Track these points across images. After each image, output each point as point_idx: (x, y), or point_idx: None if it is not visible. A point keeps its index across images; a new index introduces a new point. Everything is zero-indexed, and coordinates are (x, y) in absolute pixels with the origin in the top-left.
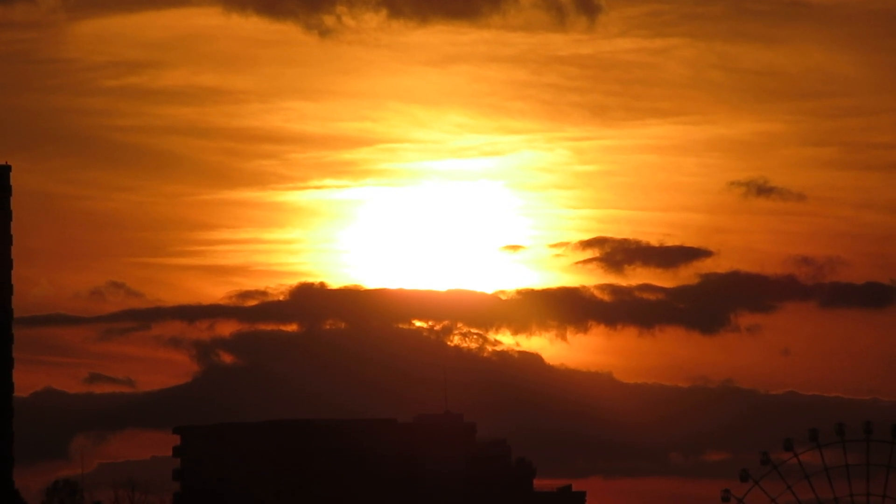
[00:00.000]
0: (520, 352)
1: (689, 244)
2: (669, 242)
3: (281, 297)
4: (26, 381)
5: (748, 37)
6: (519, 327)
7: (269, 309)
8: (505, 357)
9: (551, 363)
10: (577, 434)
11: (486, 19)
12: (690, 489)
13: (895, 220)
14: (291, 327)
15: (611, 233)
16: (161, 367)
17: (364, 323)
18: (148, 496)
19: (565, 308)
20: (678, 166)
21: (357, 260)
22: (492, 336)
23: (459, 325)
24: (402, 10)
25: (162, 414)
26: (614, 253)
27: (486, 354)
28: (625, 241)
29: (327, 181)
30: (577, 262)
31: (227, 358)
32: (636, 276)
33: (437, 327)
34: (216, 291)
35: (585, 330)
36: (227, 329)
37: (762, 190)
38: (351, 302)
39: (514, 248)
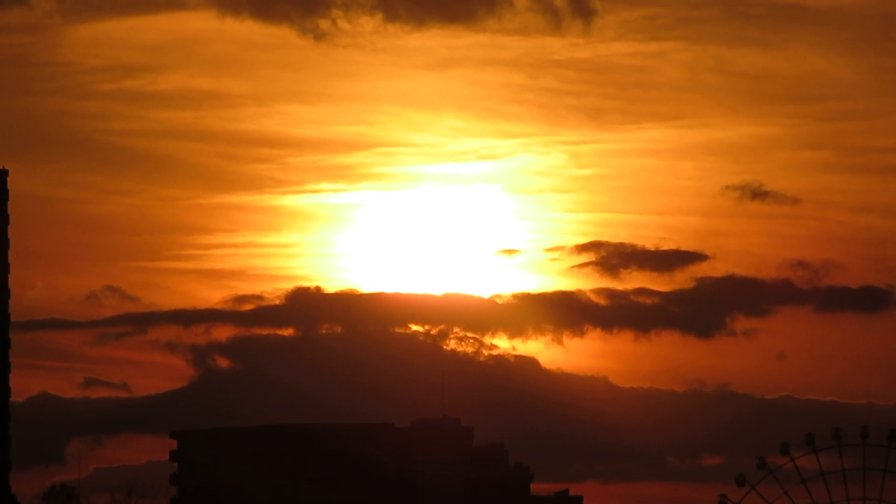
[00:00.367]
0: (516, 356)
1: (684, 248)
2: (665, 246)
3: (277, 302)
4: (22, 385)
5: (744, 40)
6: (515, 331)
7: (265, 313)
8: (501, 361)
9: (547, 367)
10: (573, 438)
11: (482, 23)
12: (687, 493)
13: (892, 223)
14: (287, 331)
15: (607, 237)
16: (157, 372)
17: (360, 327)
18: (145, 500)
19: (561, 312)
20: (674, 170)
21: (354, 264)
22: (488, 340)
23: (456, 329)
24: (398, 13)
25: (158, 418)
26: (610, 257)
27: (482, 359)
28: (620, 245)
29: (324, 185)
30: (573, 266)
31: (223, 362)
32: (632, 280)
33: (434, 331)
34: (212, 295)
35: (581, 334)
36: (223, 333)
37: (757, 194)
38: (347, 306)
39: (511, 251)
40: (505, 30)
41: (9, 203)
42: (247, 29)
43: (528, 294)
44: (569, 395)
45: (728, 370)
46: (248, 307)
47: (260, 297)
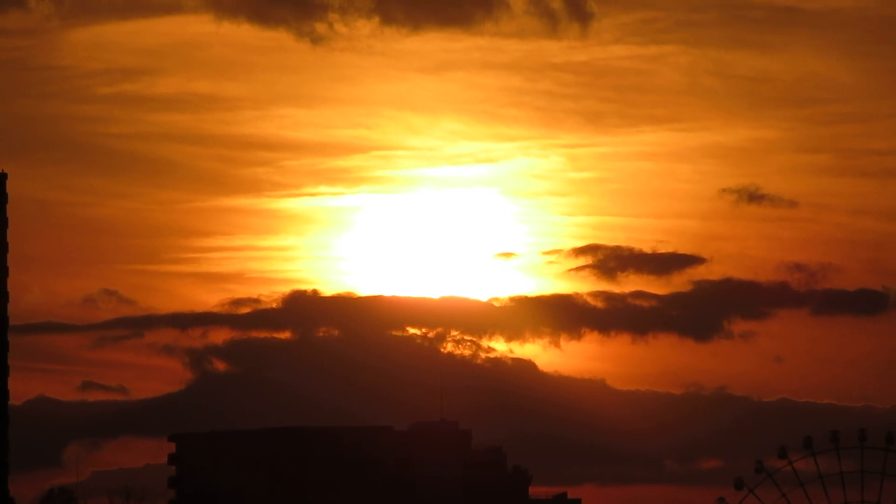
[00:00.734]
0: (513, 359)
1: (682, 251)
2: (662, 249)
3: (274, 305)
4: (20, 388)
5: (742, 43)
6: (512, 334)
7: (263, 316)
8: (498, 364)
9: (545, 370)
10: (570, 441)
11: (479, 26)
12: (685, 496)
13: (889, 226)
14: (284, 334)
15: (605, 239)
16: (154, 375)
17: (357, 330)
18: (143, 503)
19: (559, 315)
20: (672, 173)
21: (351, 267)
22: (485, 343)
23: (453, 332)
24: (395, 16)
25: (155, 422)
26: (607, 260)
27: (479, 361)
28: (618, 248)
29: (321, 188)
30: (570, 269)
31: (220, 365)
32: (629, 283)
33: (431, 334)
34: (210, 298)
35: (579, 337)
36: (220, 336)
37: (753, 197)
38: (344, 309)
39: (508, 254)
40: (502, 33)
41: (7, 206)
42: (244, 33)
43: (526, 297)
44: (566, 397)
45: (725, 373)
46: (244, 310)
47: (257, 301)
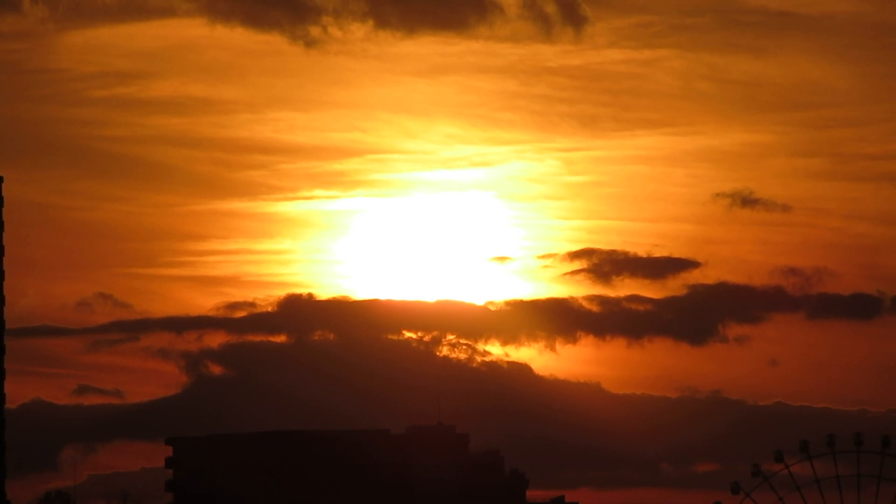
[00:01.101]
0: (509, 362)
1: (676, 255)
2: (657, 253)
3: (269, 309)
4: (15, 392)
5: (737, 48)
6: (508, 338)
7: (258, 320)
8: (494, 368)
9: (540, 374)
10: (566, 444)
11: (474, 30)
12: (681, 500)
13: (883, 230)
14: (280, 338)
15: (600, 243)
16: (150, 379)
17: (353, 334)
18: None
19: (554, 319)
20: (667, 177)
21: (347, 270)
22: (481, 347)
23: (449, 335)
24: (389, 20)
25: (151, 425)
26: (602, 264)
27: (475, 365)
28: (613, 252)
29: (317, 192)
30: (565, 274)
31: (215, 369)
32: (624, 287)
33: (427, 338)
34: (206, 302)
35: (574, 341)
36: (215, 340)
37: (747, 201)
38: (340, 313)
39: (504, 258)
40: (496, 37)
41: (2, 210)
42: (237, 36)
43: (521, 301)
44: (562, 401)
45: (720, 377)
46: (240, 314)
47: (252, 304)
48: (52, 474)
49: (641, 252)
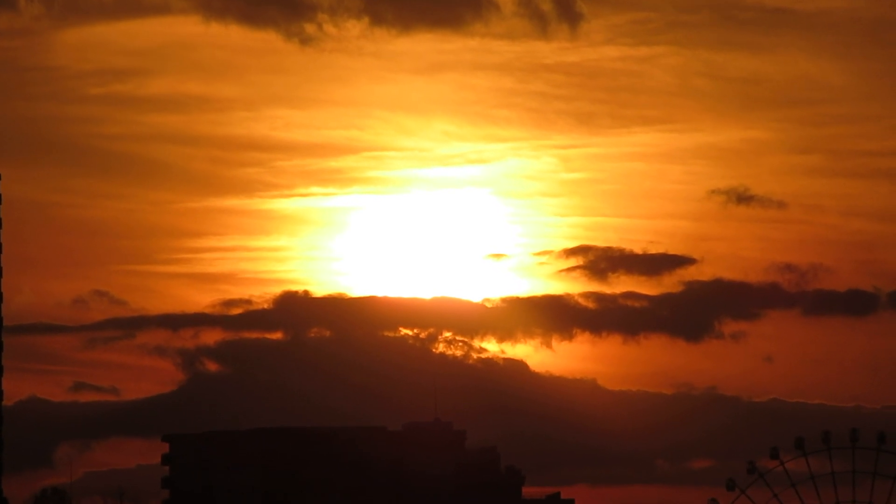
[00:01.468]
0: (505, 359)
1: (672, 252)
2: (653, 250)
3: (265, 306)
4: (11, 389)
5: (734, 45)
6: (504, 335)
7: (254, 317)
8: (490, 364)
9: (536, 370)
10: (562, 441)
11: (470, 27)
12: (677, 497)
13: (880, 227)
14: (276, 335)
15: (597, 240)
16: (146, 376)
17: (349, 331)
18: None
19: (550, 316)
20: (664, 174)
21: (344, 267)
22: (477, 343)
23: (445, 332)
24: (385, 17)
25: (147, 422)
26: (598, 261)
27: (471, 362)
28: (608, 249)
29: (313, 189)
30: (561, 270)
31: (212, 366)
32: (620, 284)
33: (423, 335)
34: (202, 299)
35: (570, 337)
36: (211, 337)
37: (742, 198)
38: (336, 310)
39: (500, 255)
40: (492, 34)
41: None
42: (233, 33)
43: (518, 298)
44: (558, 397)
45: (716, 373)
46: (236, 311)
47: (248, 301)
48: (48, 471)
49: (637, 249)
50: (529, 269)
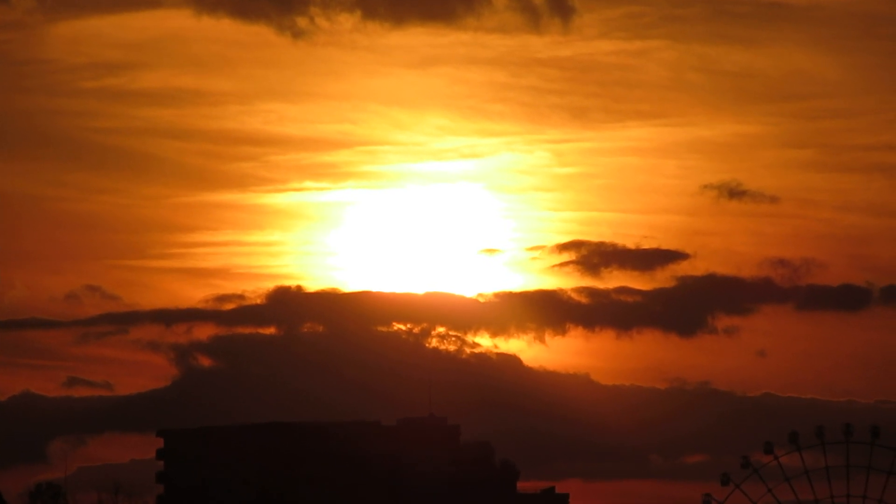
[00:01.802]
0: (498, 354)
1: (665, 247)
2: (646, 245)
3: (259, 301)
4: (4, 384)
5: (727, 39)
6: (497, 330)
7: (247, 312)
8: (483, 359)
9: (530, 365)
10: (555, 436)
11: (462, 21)
12: (670, 491)
13: (873, 222)
14: (269, 330)
15: (591, 235)
16: (139, 371)
17: (343, 325)
18: (131, 499)
19: (543, 310)
20: (658, 169)
21: (338, 262)
22: (470, 338)
23: (438, 327)
24: (377, 11)
25: (141, 417)
26: (591, 256)
27: (464, 357)
28: (601, 244)
29: (307, 183)
30: (554, 265)
31: (205, 361)
32: (613, 279)
33: (416, 330)
34: (195, 294)
35: (563, 332)
36: (204, 332)
37: (734, 193)
38: (329, 305)
39: (494, 250)
40: (485, 28)
41: None
42: (224, 27)
43: (511, 293)
44: (551, 392)
45: (709, 368)
46: (229, 306)
47: (241, 297)
48: (42, 466)
49: (630, 244)
50: (523, 264)
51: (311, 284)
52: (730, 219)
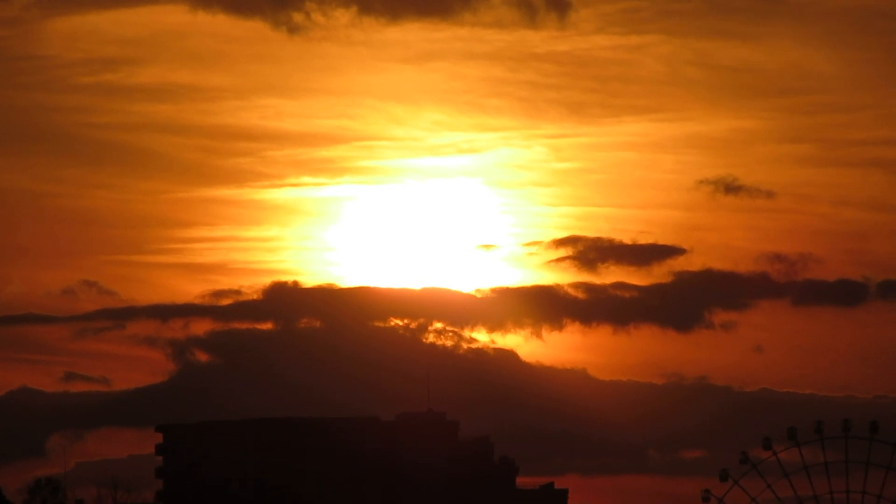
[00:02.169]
0: (495, 349)
1: (662, 242)
2: (642, 240)
3: (256, 296)
4: (2, 379)
5: (724, 33)
6: (494, 325)
7: (244, 307)
8: (481, 355)
9: (527, 360)
10: (553, 431)
11: (458, 16)
12: (668, 486)
13: (870, 217)
14: (266, 326)
15: (588, 230)
16: (136, 366)
17: (340, 321)
18: (130, 494)
19: (540, 306)
20: (655, 163)
21: (335, 258)
22: (467, 334)
23: (436, 323)
24: (373, 6)
25: (139, 413)
26: (587, 251)
27: (461, 352)
28: (598, 239)
29: (304, 179)
30: (550, 261)
31: (202, 356)
32: (610, 275)
33: (413, 325)
34: (192, 289)
35: (560, 327)
36: (201, 328)
37: (730, 188)
38: (326, 300)
39: (491, 245)
40: (482, 23)
41: None
42: (220, 22)
43: (508, 288)
44: (548, 387)
45: (706, 363)
46: (225, 302)
47: (237, 292)
48: (41, 461)
49: (627, 239)
50: (520, 260)
51: (309, 280)
52: (726, 214)
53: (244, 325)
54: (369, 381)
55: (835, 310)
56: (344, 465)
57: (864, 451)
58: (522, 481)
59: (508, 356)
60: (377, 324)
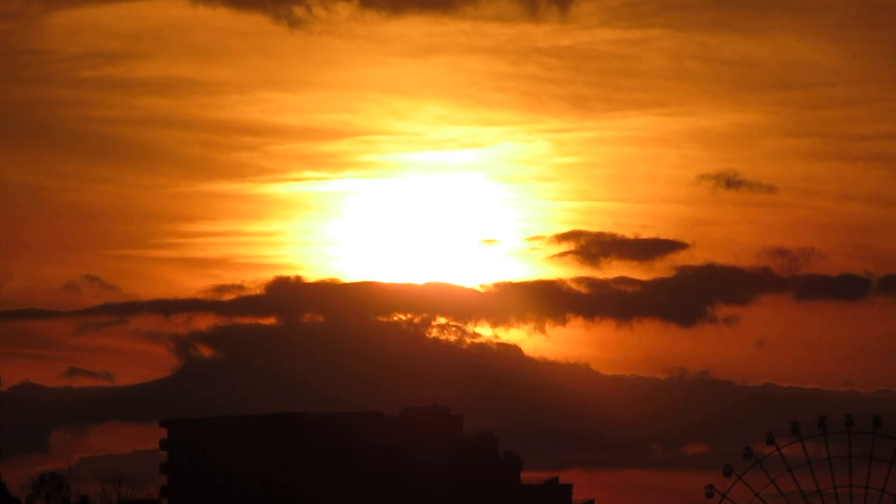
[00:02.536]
0: (499, 344)
1: (665, 237)
2: (645, 235)
3: (258, 291)
4: (5, 374)
5: (728, 27)
6: (498, 320)
7: (247, 302)
8: (484, 349)
9: (530, 355)
10: (556, 426)
11: (460, 10)
12: (672, 481)
13: (873, 211)
14: (269, 321)
15: (591, 224)
16: (139, 361)
17: (343, 316)
18: (134, 489)
19: (543, 300)
20: (658, 158)
21: (337, 252)
22: (471, 329)
23: (439, 317)
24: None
25: (142, 408)
26: (590, 246)
27: (465, 347)
28: (600, 234)
29: (306, 173)
30: (553, 256)
31: (205, 351)
32: (613, 269)
33: (417, 320)
34: (195, 284)
35: (563, 322)
36: (204, 323)
37: (731, 183)
38: (329, 295)
39: (494, 240)
40: (484, 17)
41: None
42: (220, 16)
43: (511, 283)
44: (551, 382)
45: (709, 358)
46: (228, 297)
47: (240, 287)
48: (44, 456)
49: (629, 234)
50: (523, 254)
51: (311, 274)
52: (729, 208)
53: (247, 320)
54: (373, 376)
55: (837, 304)
56: (348, 460)
57: (867, 445)
58: (527, 476)
59: (512, 351)
60: (380, 319)
